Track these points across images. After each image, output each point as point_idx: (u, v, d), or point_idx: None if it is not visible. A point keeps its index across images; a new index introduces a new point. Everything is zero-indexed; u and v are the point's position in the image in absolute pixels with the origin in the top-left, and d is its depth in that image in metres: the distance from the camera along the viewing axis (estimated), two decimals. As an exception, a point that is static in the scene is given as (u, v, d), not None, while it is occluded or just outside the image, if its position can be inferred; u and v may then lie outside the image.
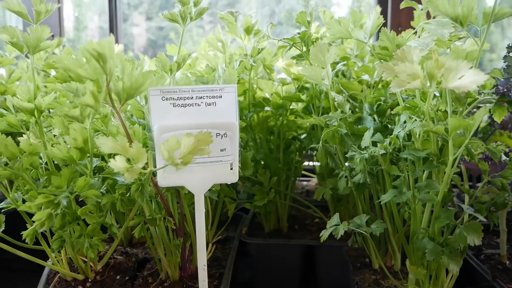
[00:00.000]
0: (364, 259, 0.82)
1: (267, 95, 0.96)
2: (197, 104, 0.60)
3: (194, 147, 0.53)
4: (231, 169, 0.62)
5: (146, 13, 3.04)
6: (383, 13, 1.09)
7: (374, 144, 0.63)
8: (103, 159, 0.65)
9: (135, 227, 0.66)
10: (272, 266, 0.91)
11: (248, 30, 0.92)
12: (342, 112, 0.74)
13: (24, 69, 1.25)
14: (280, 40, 0.80)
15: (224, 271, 0.74)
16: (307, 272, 0.91)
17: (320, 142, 0.72)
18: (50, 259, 0.70)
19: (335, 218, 0.62)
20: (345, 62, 0.92)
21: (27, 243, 0.61)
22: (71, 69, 0.47)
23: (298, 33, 0.79)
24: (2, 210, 0.62)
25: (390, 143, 0.60)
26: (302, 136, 0.96)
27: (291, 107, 0.95)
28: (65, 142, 0.57)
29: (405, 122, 0.60)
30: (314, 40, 0.78)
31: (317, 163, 1.13)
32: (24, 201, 0.62)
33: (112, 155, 0.51)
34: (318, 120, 0.75)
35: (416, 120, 0.59)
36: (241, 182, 0.96)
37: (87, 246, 0.60)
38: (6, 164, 0.56)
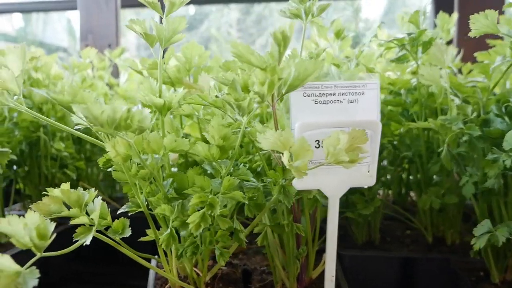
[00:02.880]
0: (478, 272, 0.77)
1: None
2: (339, 101, 0.56)
3: (350, 145, 0.50)
4: (368, 171, 0.58)
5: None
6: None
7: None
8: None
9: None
10: (368, 279, 0.86)
11: (338, 34, 0.90)
12: (463, 114, 0.71)
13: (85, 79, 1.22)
14: (390, 41, 0.77)
15: (340, 282, 0.69)
16: (405, 286, 0.86)
17: (445, 146, 0.68)
18: (157, 266, 0.65)
19: (485, 224, 0.58)
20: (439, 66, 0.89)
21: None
22: (243, 56, 0.44)
23: (409, 34, 0.76)
24: (129, 214, 0.57)
25: (546, 144, 0.56)
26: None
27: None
28: (206, 139, 0.53)
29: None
30: (426, 42, 0.75)
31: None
32: (148, 205, 0.58)
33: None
34: (433, 124, 0.72)
35: None
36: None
37: (219, 254, 0.56)
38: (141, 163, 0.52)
